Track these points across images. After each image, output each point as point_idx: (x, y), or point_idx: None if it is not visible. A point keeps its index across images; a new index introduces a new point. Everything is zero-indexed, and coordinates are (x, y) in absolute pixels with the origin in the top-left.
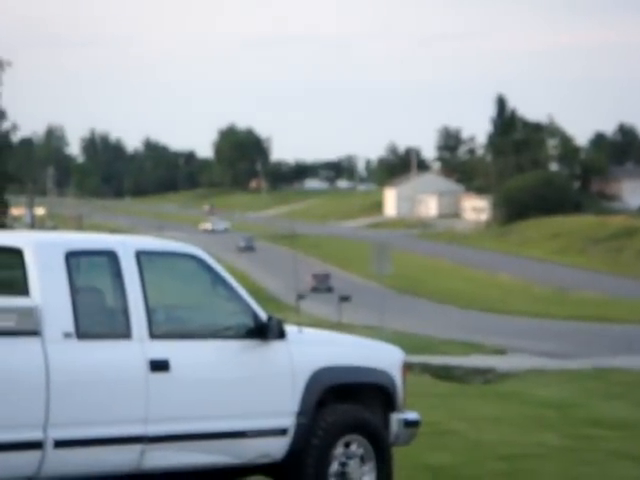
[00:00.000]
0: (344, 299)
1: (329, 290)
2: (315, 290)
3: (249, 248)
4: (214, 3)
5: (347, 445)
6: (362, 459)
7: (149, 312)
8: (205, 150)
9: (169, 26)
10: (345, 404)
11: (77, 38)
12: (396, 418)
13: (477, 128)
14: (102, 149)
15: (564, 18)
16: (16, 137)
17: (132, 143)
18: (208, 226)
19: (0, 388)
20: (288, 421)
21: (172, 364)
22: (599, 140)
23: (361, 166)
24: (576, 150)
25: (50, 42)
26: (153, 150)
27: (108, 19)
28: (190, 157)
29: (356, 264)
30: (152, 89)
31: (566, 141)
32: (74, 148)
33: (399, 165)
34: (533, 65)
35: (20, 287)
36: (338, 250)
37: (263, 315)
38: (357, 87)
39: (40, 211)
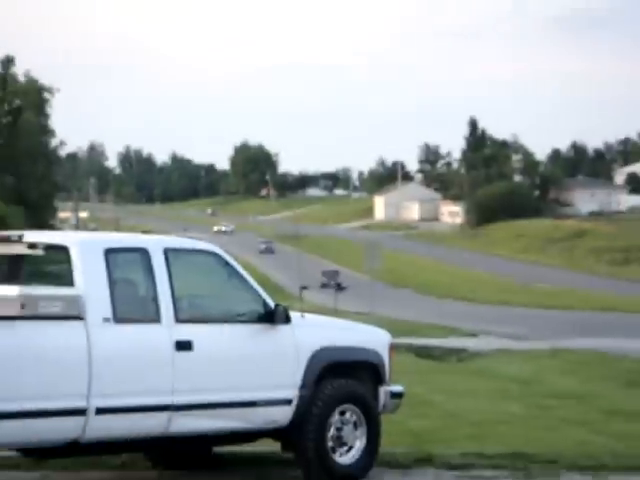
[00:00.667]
0: (339, 288)
1: (338, 286)
2: (324, 286)
3: (269, 250)
4: (232, 34)
5: (342, 413)
6: (355, 425)
7: (175, 300)
8: (223, 163)
9: (193, 57)
10: (341, 379)
11: (114, 66)
12: (384, 390)
13: (453, 145)
14: (136, 162)
15: (527, 50)
16: (63, 152)
17: (161, 157)
18: (221, 228)
19: (49, 364)
20: (292, 393)
21: (195, 344)
22: (555, 156)
23: (355, 177)
24: (536, 164)
25: (92, 68)
26: (179, 163)
27: (137, 50)
28: (210, 169)
29: (350, 260)
30: (178, 110)
31: (527, 156)
32: (112, 162)
33: (387, 176)
34: (501, 91)
35: (66, 279)
36: (335, 248)
37: (271, 303)
38: (352, 110)
39: (83, 215)
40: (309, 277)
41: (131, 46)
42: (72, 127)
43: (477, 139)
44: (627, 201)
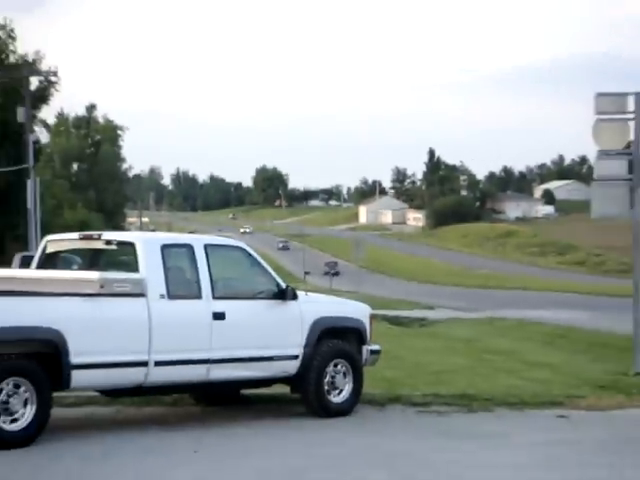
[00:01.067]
0: (334, 274)
1: (337, 274)
2: (327, 274)
3: (285, 247)
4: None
5: (335, 365)
6: (344, 374)
7: (212, 282)
8: (247, 181)
9: (225, 102)
10: (334, 340)
11: (165, 108)
12: (366, 349)
13: (417, 169)
14: (183, 180)
15: (473, 98)
16: (131, 174)
17: (202, 177)
18: (246, 229)
19: (121, 329)
20: (298, 350)
21: (227, 315)
22: (491, 176)
23: (344, 192)
24: (477, 182)
25: (149, 111)
26: (215, 181)
27: (183, 99)
28: (238, 186)
29: (341, 253)
30: (215, 142)
31: (470, 177)
32: (166, 180)
33: (368, 191)
34: (451, 130)
35: (133, 266)
36: (330, 244)
37: (283, 284)
38: (343, 142)
39: (145, 219)
40: (311, 265)
41: (177, 96)
42: (137, 155)
43: (434, 164)
44: (543, 210)
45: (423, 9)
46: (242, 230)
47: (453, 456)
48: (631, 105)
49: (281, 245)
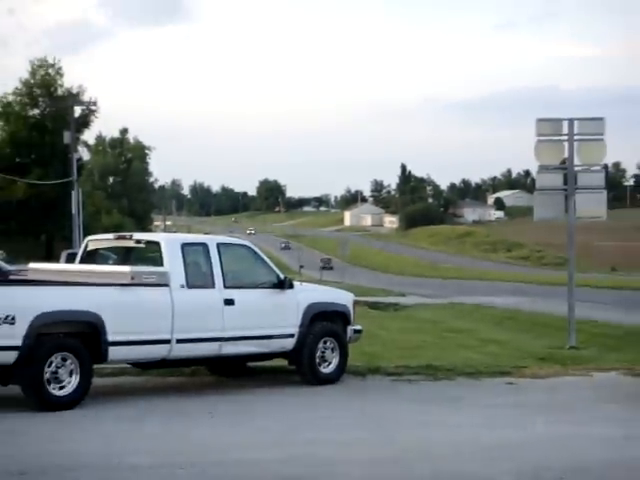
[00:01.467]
0: (324, 268)
1: (331, 268)
2: (323, 268)
3: (287, 247)
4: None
5: (325, 342)
6: (332, 350)
7: (224, 274)
8: (252, 191)
9: (234, 122)
10: (324, 321)
11: (186, 131)
12: (350, 328)
13: (392, 180)
14: (200, 190)
15: (435, 126)
16: (156, 185)
17: (215, 187)
18: (250, 231)
19: (148, 313)
20: (294, 330)
21: (236, 301)
22: (452, 187)
23: (332, 199)
24: (441, 192)
25: (171, 132)
26: (225, 191)
27: (197, 119)
28: (244, 195)
29: (330, 250)
30: (226, 158)
31: (436, 187)
32: (186, 190)
33: (351, 199)
34: (420, 150)
35: (158, 261)
36: (321, 243)
37: (282, 276)
38: (332, 158)
39: (168, 223)
40: (304, 261)
41: (195, 121)
42: (162, 169)
43: (406, 177)
44: (494, 214)
45: (397, 46)
46: (248, 231)
47: (422, 418)
48: (565, 129)
49: (283, 245)
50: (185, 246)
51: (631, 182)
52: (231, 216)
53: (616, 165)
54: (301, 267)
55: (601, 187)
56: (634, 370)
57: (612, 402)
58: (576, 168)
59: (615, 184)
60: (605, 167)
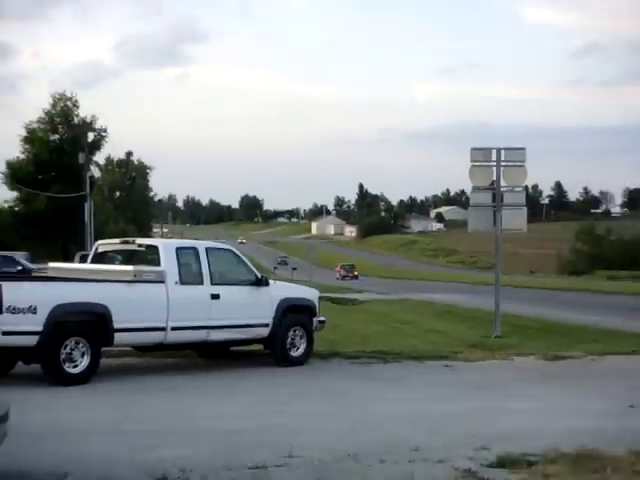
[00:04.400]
0: (294, 269)
1: (286, 264)
2: (279, 263)
3: (284, 262)
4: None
5: (294, 331)
6: (301, 337)
7: (211, 273)
8: (235, 204)
9: (221, 142)
10: (294, 314)
11: (179, 152)
12: (315, 320)
13: (351, 197)
14: (192, 204)
15: (383, 152)
16: (156, 199)
17: (204, 201)
18: (241, 240)
19: (148, 305)
20: (269, 320)
21: (221, 296)
22: (401, 202)
23: (302, 212)
24: (392, 207)
25: (170, 152)
26: (213, 204)
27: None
28: (229, 208)
29: (299, 254)
30: (214, 176)
31: (388, 203)
32: (180, 203)
33: (317, 212)
34: (375, 168)
35: (156, 262)
36: (292, 248)
37: (259, 275)
38: (301, 178)
39: (165, 230)
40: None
41: (187, 146)
42: (161, 185)
43: (363, 194)
44: (436, 226)
45: (357, 86)
46: (239, 241)
47: (374, 393)
48: (494, 156)
49: (280, 260)
50: (179, 249)
51: (547, 201)
52: (217, 225)
53: (534, 187)
54: (275, 268)
55: (522, 205)
56: (547, 355)
57: (529, 381)
58: (502, 189)
59: (534, 202)
60: (526, 188)
